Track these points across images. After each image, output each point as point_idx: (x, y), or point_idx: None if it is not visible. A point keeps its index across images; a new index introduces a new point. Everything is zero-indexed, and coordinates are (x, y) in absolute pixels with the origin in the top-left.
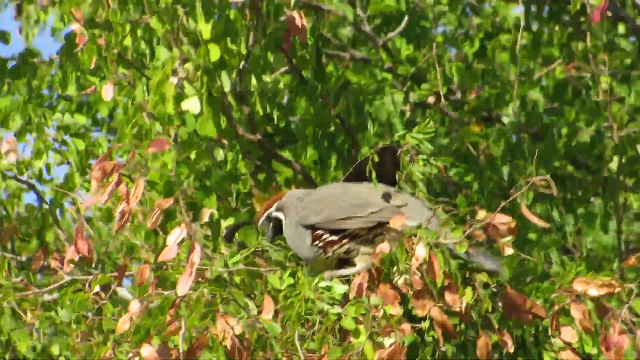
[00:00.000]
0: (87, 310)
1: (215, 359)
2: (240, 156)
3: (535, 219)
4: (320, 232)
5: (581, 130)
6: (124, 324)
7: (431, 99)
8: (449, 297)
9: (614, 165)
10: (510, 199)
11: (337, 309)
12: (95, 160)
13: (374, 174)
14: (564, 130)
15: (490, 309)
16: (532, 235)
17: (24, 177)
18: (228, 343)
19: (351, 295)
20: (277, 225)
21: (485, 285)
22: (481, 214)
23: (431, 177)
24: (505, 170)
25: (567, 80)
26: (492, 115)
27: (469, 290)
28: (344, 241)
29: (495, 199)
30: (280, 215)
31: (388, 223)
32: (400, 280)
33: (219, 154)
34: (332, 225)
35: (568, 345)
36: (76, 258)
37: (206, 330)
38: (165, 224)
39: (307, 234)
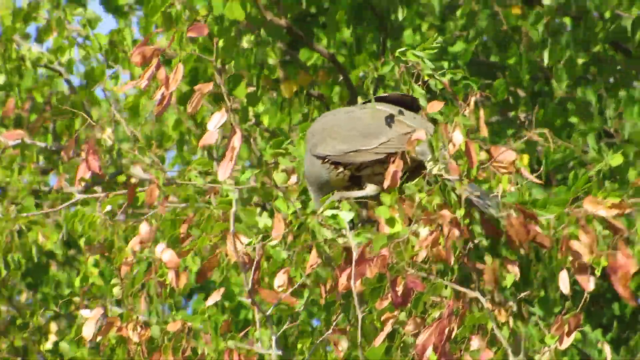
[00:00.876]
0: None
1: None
2: (268, 42)
3: (530, 177)
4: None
5: (622, 16)
6: (134, 246)
7: None
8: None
9: None
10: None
11: (343, 239)
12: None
13: (370, 91)
14: (607, 14)
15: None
16: (573, 119)
17: (54, 66)
18: (239, 261)
19: (385, 184)
20: None
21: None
22: (483, 154)
23: (437, 90)
24: (545, 54)
25: None
26: None
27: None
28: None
29: (533, 83)
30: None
31: (397, 152)
32: (435, 169)
33: (247, 40)
34: (341, 158)
35: (580, 257)
36: (87, 175)
37: (217, 250)
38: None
39: (319, 162)
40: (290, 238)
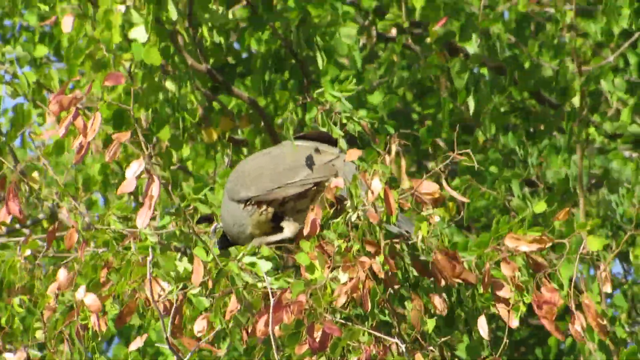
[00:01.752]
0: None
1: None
2: (189, 87)
3: (454, 194)
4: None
5: (544, 65)
6: (52, 291)
7: (394, 31)
8: (374, 265)
9: (576, 100)
10: (430, 173)
11: (262, 284)
12: (49, 93)
13: (290, 132)
14: (527, 65)
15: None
16: (493, 169)
17: None
18: (160, 307)
19: (305, 232)
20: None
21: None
22: (405, 183)
23: (355, 133)
24: (471, 102)
25: (530, 15)
26: (456, 47)
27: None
28: (282, 208)
29: (455, 132)
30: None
31: (324, 182)
32: (354, 216)
33: (169, 85)
34: (267, 196)
35: (503, 300)
36: (7, 220)
37: (136, 295)
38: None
39: (240, 207)
40: (210, 284)
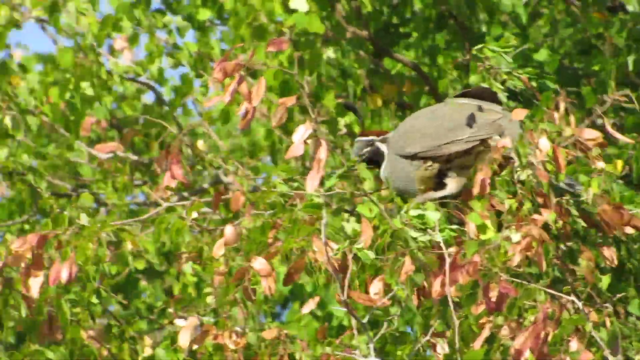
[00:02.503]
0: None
1: (314, 281)
2: (351, 53)
3: (619, 136)
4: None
5: None
6: (219, 249)
7: None
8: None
9: None
10: (593, 117)
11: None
12: (214, 62)
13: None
14: None
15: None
16: None
17: (142, 79)
18: (328, 266)
19: (475, 191)
20: (374, 155)
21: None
22: (568, 130)
23: (515, 89)
24: (630, 59)
25: None
26: (615, 4)
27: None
28: (448, 165)
29: (620, 89)
30: (383, 147)
31: (489, 139)
32: (523, 175)
33: (330, 51)
34: (433, 152)
35: None
36: (172, 184)
37: (304, 254)
38: (287, 123)
39: (407, 161)
40: (377, 241)
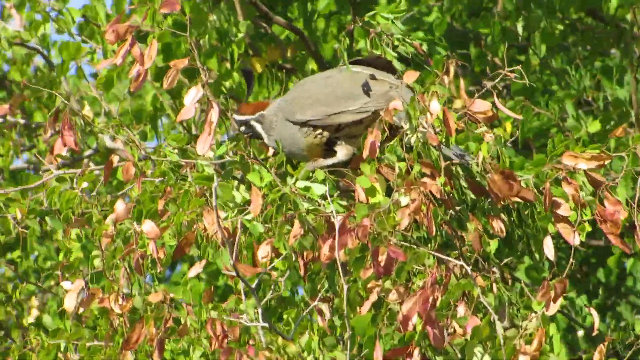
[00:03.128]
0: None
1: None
2: (233, 17)
3: (507, 111)
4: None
5: None
6: (110, 222)
7: None
8: (434, 187)
9: (628, 17)
10: (483, 90)
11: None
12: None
13: (345, 57)
14: None
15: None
16: (551, 87)
17: (31, 44)
18: (218, 235)
19: (364, 154)
20: (254, 133)
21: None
22: (458, 102)
23: (408, 55)
24: (519, 24)
25: None
26: None
27: (441, 178)
28: (337, 134)
29: (510, 51)
30: (258, 127)
31: (381, 110)
32: (413, 138)
33: (215, 15)
34: (324, 121)
35: (564, 219)
36: (63, 152)
37: (194, 226)
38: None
39: (296, 127)
40: (267, 209)
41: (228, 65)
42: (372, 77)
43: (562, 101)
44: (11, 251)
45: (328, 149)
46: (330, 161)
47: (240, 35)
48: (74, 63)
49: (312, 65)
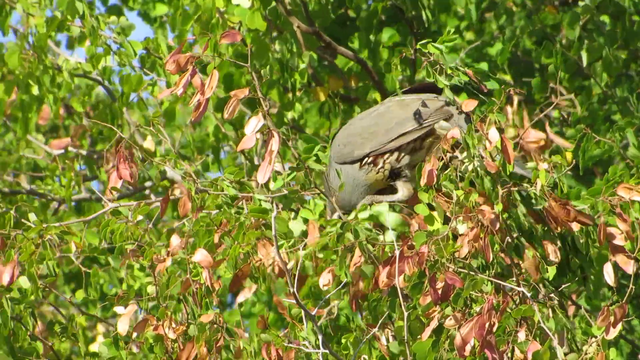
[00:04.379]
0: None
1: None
2: (296, 48)
3: (559, 140)
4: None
5: None
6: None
7: None
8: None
9: None
10: (539, 116)
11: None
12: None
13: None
14: None
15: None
16: (614, 117)
17: (92, 75)
18: (275, 269)
19: (422, 183)
20: None
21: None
22: (511, 131)
23: (460, 82)
24: (583, 53)
25: None
26: None
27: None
28: (396, 154)
29: (574, 81)
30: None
31: (436, 130)
32: (470, 166)
33: (276, 45)
34: (385, 147)
35: (618, 247)
36: (119, 185)
37: (250, 258)
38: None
39: (355, 169)
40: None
41: (290, 95)
42: (422, 104)
43: (623, 129)
44: (75, 279)
45: (390, 187)
46: (389, 198)
47: (303, 65)
48: (135, 94)
49: (374, 94)
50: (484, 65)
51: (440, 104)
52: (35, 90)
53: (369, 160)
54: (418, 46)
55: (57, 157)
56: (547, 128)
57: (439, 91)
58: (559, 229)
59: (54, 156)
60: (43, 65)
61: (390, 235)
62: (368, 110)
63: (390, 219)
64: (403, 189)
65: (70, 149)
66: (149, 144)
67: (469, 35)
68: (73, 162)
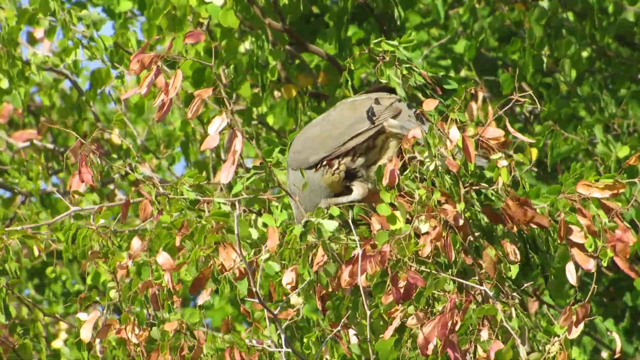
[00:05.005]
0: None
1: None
2: (267, 44)
3: (520, 136)
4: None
5: (625, 9)
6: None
7: None
8: (452, 213)
9: None
10: (493, 117)
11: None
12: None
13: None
14: (610, 8)
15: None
16: (580, 113)
17: (59, 69)
18: (235, 272)
19: (384, 182)
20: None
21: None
22: (470, 130)
23: (415, 83)
24: (546, 49)
25: None
26: None
27: (461, 204)
28: (351, 155)
29: (537, 77)
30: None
31: (386, 128)
32: (432, 166)
33: (247, 43)
34: (339, 150)
35: (578, 245)
36: (81, 188)
37: (211, 261)
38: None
39: (311, 173)
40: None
41: (259, 92)
42: (375, 101)
43: (591, 127)
44: (38, 276)
45: (347, 187)
46: (344, 199)
47: (273, 62)
48: (104, 88)
49: (344, 91)
50: (447, 63)
51: (390, 102)
52: (4, 84)
53: (324, 163)
54: (372, 45)
55: (21, 149)
56: (508, 125)
57: (394, 91)
58: (514, 228)
59: (17, 149)
60: (12, 59)
61: (353, 233)
62: (322, 114)
63: (330, 227)
64: (358, 188)
65: (35, 142)
66: (115, 138)
67: (434, 32)
68: (40, 155)
